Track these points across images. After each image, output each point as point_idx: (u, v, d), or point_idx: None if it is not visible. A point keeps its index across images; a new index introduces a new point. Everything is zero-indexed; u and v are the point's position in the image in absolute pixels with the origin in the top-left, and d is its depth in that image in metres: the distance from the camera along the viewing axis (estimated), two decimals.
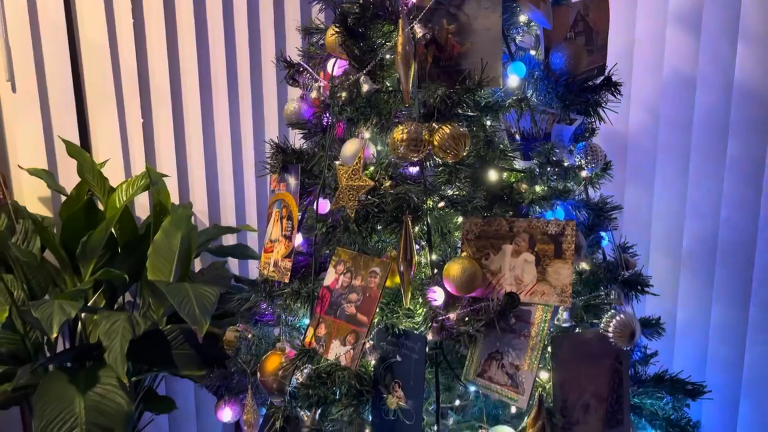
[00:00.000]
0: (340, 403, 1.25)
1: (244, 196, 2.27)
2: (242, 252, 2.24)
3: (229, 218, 2.26)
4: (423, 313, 1.24)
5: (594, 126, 1.56)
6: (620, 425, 1.26)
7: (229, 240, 2.31)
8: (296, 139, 1.57)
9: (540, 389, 1.20)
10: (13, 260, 1.65)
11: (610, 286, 1.33)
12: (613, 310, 1.22)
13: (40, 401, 1.43)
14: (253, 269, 2.40)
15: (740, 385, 1.88)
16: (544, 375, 1.25)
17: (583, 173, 1.38)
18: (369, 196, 1.25)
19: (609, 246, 1.47)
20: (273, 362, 1.41)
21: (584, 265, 1.34)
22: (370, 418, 1.29)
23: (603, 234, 1.44)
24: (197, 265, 2.22)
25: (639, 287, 1.38)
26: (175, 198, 2.15)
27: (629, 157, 2.05)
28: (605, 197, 1.36)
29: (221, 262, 2.14)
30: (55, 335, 1.40)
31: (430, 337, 1.21)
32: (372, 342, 1.26)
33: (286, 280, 1.42)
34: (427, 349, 1.22)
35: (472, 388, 1.32)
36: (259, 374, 1.43)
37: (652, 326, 1.56)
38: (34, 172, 1.97)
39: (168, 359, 1.69)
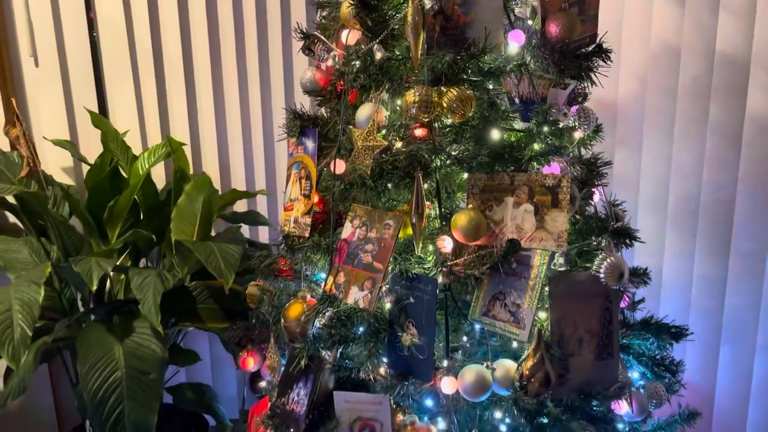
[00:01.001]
0: (359, 341, 1.39)
1: (253, 163, 2.39)
2: (254, 218, 2.36)
3: (239, 184, 2.39)
4: (433, 260, 1.38)
5: (587, 91, 1.70)
6: (610, 357, 1.41)
7: (240, 207, 2.44)
8: (311, 106, 1.69)
9: (539, 325, 1.34)
10: (49, 222, 1.77)
11: (601, 236, 1.47)
12: (603, 254, 1.36)
13: (83, 348, 1.57)
14: (263, 235, 2.54)
15: (720, 332, 2.04)
16: (543, 314, 1.40)
17: (577, 133, 1.51)
18: (383, 155, 1.38)
19: (601, 202, 1.61)
20: (295, 309, 1.54)
21: (578, 216, 1.48)
22: (387, 354, 1.43)
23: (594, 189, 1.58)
24: (212, 231, 2.35)
25: (627, 237, 1.52)
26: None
27: (619, 123, 2.18)
28: (596, 153, 1.49)
29: (236, 227, 2.27)
30: (95, 287, 1.53)
31: (440, 280, 1.35)
32: (387, 286, 1.40)
33: (306, 235, 1.55)
34: (437, 292, 1.36)
35: (477, 327, 1.47)
36: (282, 321, 1.56)
37: (639, 275, 1.71)
38: (58, 143, 2.09)
39: (194, 313, 1.82)
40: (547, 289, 1.36)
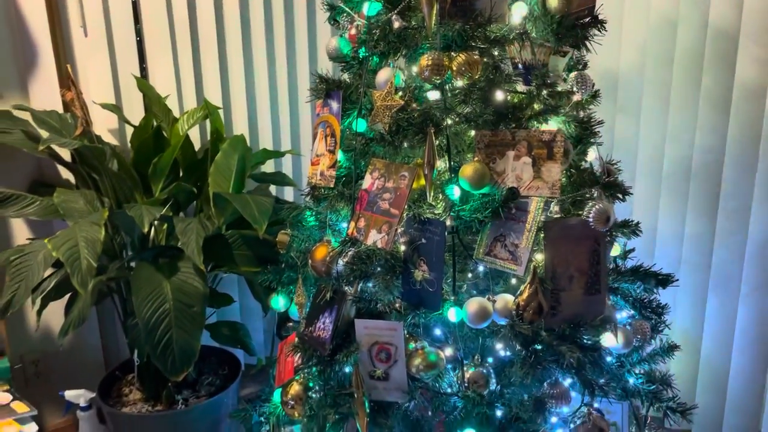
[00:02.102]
0: (377, 275, 1.59)
1: (280, 126, 2.60)
2: (281, 179, 2.57)
3: (267, 145, 2.60)
4: (442, 206, 1.57)
5: (586, 60, 1.87)
6: (597, 293, 1.60)
7: (267, 169, 2.65)
8: (335, 72, 1.88)
9: (534, 263, 1.54)
10: (104, 174, 1.98)
11: (593, 187, 1.65)
12: (593, 202, 1.55)
13: (136, 283, 1.79)
14: (289, 196, 2.75)
15: (708, 284, 2.22)
16: (539, 256, 1.59)
17: (576, 97, 1.69)
18: (399, 113, 1.57)
19: (596, 159, 1.79)
20: (321, 251, 1.75)
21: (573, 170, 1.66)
22: (401, 288, 1.64)
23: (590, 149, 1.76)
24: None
25: (617, 190, 1.70)
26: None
27: (619, 92, 2.34)
28: (590, 113, 1.67)
29: (265, 186, 2.48)
30: (146, 230, 1.75)
31: (448, 222, 1.55)
32: (402, 229, 1.60)
33: (332, 185, 1.75)
34: (445, 233, 1.55)
35: (481, 268, 1.67)
36: (309, 262, 1.77)
37: (629, 227, 1.89)
38: (106, 106, 2.30)
39: (230, 258, 2.04)
40: (542, 233, 1.55)
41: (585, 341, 1.66)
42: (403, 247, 1.63)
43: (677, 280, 1.90)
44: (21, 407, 1.97)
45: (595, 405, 1.64)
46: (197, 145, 2.43)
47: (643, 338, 1.78)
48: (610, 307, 1.66)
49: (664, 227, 2.30)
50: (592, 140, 1.68)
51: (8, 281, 1.86)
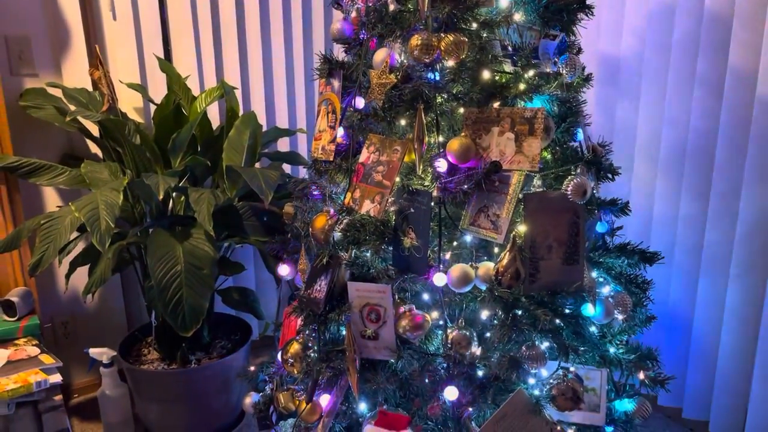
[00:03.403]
0: (369, 241, 1.71)
1: (295, 107, 2.73)
2: (294, 158, 2.71)
3: (282, 124, 2.74)
4: (430, 177, 1.68)
5: (579, 45, 1.95)
6: (576, 264, 1.70)
7: (283, 149, 2.79)
8: (339, 53, 2.00)
9: (514, 233, 1.64)
10: (126, 146, 2.14)
11: (576, 164, 1.74)
12: (572, 176, 1.64)
13: (151, 246, 1.95)
14: (303, 174, 2.89)
15: (699, 265, 2.28)
16: (521, 227, 1.69)
17: (565, 80, 1.78)
18: (393, 91, 1.69)
19: (583, 143, 1.87)
20: (320, 220, 1.88)
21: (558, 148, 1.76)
22: (391, 254, 1.76)
23: (578, 130, 1.85)
24: (257, 164, 2.71)
25: (598, 166, 1.79)
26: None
27: (621, 78, 2.41)
28: (578, 95, 1.76)
29: (278, 163, 2.62)
30: (161, 196, 1.90)
31: (435, 193, 1.66)
32: (393, 198, 1.72)
33: (331, 159, 1.88)
34: (432, 204, 1.67)
35: (468, 238, 1.77)
36: (310, 230, 1.90)
37: (617, 206, 1.97)
38: (131, 86, 2.46)
39: (240, 227, 2.18)
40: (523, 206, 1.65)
41: (566, 310, 1.76)
42: (393, 216, 1.75)
43: (663, 257, 1.98)
44: (48, 359, 2.15)
45: (572, 369, 1.74)
46: (215, 124, 2.58)
47: (624, 310, 1.87)
48: (589, 278, 1.75)
49: (659, 210, 2.36)
50: (576, 119, 1.77)
51: (38, 243, 2.03)
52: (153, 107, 2.49)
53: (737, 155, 2.11)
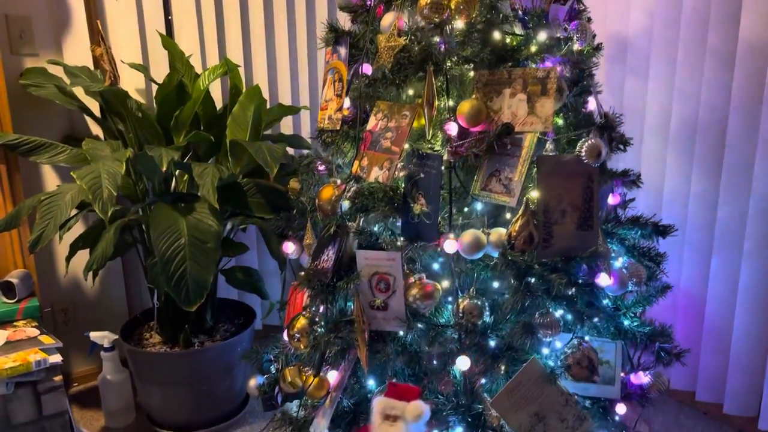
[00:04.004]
0: (378, 207, 1.67)
1: (299, 85, 2.70)
2: (297, 142, 2.67)
3: (285, 101, 2.70)
4: (440, 142, 1.65)
5: (589, 15, 1.92)
6: (590, 229, 1.65)
7: (286, 130, 2.76)
8: (345, 23, 1.97)
9: (527, 197, 1.60)
10: (128, 119, 2.11)
11: (588, 129, 1.70)
12: (585, 138, 1.60)
13: (154, 219, 1.91)
14: None
15: (712, 243, 2.24)
16: (534, 193, 1.65)
17: (576, 46, 1.75)
18: (401, 53, 1.65)
19: (595, 107, 1.84)
20: (327, 191, 1.83)
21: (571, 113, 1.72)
22: (400, 223, 1.72)
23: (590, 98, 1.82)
24: None
25: (611, 137, 1.75)
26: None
27: (629, 56, 2.38)
28: (587, 55, 1.72)
29: (283, 144, 2.58)
30: (164, 168, 1.86)
31: (445, 157, 1.63)
32: (402, 164, 1.68)
33: (338, 128, 1.84)
34: (442, 168, 1.63)
35: (478, 206, 1.73)
36: (316, 202, 1.86)
37: (629, 176, 1.94)
38: (134, 66, 2.43)
39: (244, 204, 2.14)
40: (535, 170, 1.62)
41: (579, 279, 1.72)
42: (402, 183, 1.71)
43: (676, 229, 1.94)
44: (48, 339, 2.10)
45: (587, 338, 1.70)
46: (219, 105, 2.55)
47: (638, 281, 1.83)
48: (604, 246, 1.71)
49: (670, 187, 2.33)
50: (587, 83, 1.74)
51: (38, 219, 1.99)
52: (155, 88, 2.46)
53: (750, 128, 2.07)
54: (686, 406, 2.47)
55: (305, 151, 2.80)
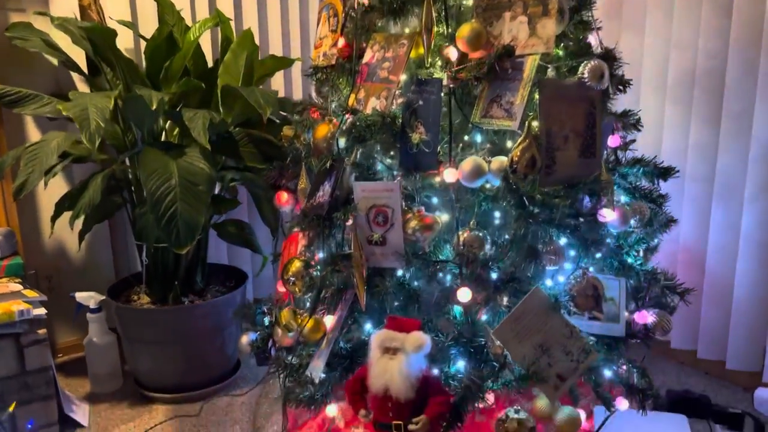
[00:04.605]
0: (376, 136, 1.62)
1: (289, 32, 2.67)
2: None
3: (276, 52, 2.67)
4: (440, 65, 1.61)
5: None
6: (593, 156, 1.61)
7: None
8: None
9: (529, 121, 1.56)
10: (116, 63, 2.05)
11: (588, 55, 1.67)
12: (587, 60, 1.57)
13: (143, 161, 1.85)
14: None
15: (712, 194, 2.21)
16: (536, 123, 1.60)
17: None
18: None
19: (596, 43, 1.80)
20: (323, 129, 1.78)
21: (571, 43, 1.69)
22: (398, 154, 1.67)
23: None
24: None
25: (611, 72, 1.71)
26: None
27: (624, 8, 2.37)
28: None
29: (275, 91, 2.50)
30: (155, 106, 1.80)
31: (445, 82, 1.58)
32: (400, 91, 1.64)
33: (333, 63, 1.80)
34: (442, 93, 1.59)
35: (478, 138, 1.69)
36: (312, 140, 1.81)
37: (630, 117, 1.90)
38: (122, 23, 2.37)
39: (236, 153, 2.09)
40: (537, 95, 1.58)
41: (583, 210, 1.67)
42: (400, 112, 1.65)
43: (678, 171, 1.91)
44: (31, 293, 2.02)
45: (591, 270, 1.65)
46: (210, 63, 2.50)
47: (641, 218, 1.79)
48: (606, 175, 1.67)
49: (669, 140, 2.30)
50: (587, 14, 1.71)
51: (23, 166, 1.93)
52: (144, 46, 2.41)
53: (749, 73, 2.05)
54: (689, 368, 2.42)
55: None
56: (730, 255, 2.19)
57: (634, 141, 1.96)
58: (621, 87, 1.83)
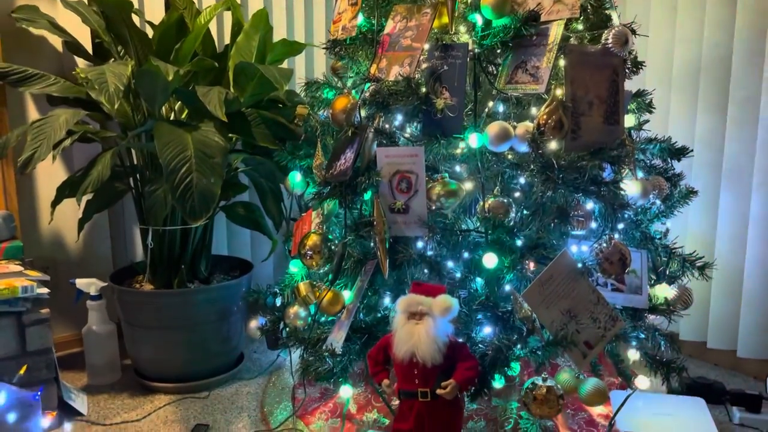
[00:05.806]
0: (400, 100, 1.61)
1: (293, 23, 2.67)
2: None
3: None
4: (465, 30, 1.61)
5: None
6: (616, 124, 1.62)
7: None
8: None
9: (554, 87, 1.56)
10: (129, 37, 2.02)
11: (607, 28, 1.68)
12: (610, 27, 1.59)
13: (158, 132, 1.81)
14: None
15: (719, 183, 2.23)
16: (559, 91, 1.61)
17: None
18: None
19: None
20: (341, 102, 1.77)
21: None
22: (422, 121, 1.66)
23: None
24: None
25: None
26: None
27: (627, 7, 2.42)
28: None
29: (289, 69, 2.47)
30: (171, 77, 1.78)
31: (470, 46, 1.59)
32: (424, 56, 1.64)
33: (353, 34, 1.80)
34: (467, 58, 1.59)
35: (500, 108, 1.69)
36: (330, 113, 1.80)
37: (643, 97, 1.93)
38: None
39: (249, 133, 2.06)
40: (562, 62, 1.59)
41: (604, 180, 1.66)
42: (423, 80, 1.64)
43: (692, 150, 1.93)
44: (34, 273, 1.95)
45: (616, 236, 1.64)
46: (219, 49, 2.48)
47: (660, 192, 1.79)
48: (629, 141, 1.68)
49: (675, 130, 2.32)
50: None
51: (29, 140, 1.87)
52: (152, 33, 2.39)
53: (755, 58, 2.09)
54: (697, 360, 2.40)
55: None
56: (739, 242, 2.20)
57: (647, 121, 1.99)
58: (635, 68, 1.86)
